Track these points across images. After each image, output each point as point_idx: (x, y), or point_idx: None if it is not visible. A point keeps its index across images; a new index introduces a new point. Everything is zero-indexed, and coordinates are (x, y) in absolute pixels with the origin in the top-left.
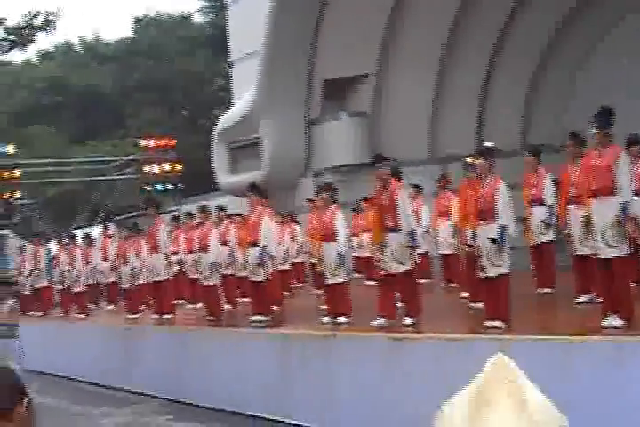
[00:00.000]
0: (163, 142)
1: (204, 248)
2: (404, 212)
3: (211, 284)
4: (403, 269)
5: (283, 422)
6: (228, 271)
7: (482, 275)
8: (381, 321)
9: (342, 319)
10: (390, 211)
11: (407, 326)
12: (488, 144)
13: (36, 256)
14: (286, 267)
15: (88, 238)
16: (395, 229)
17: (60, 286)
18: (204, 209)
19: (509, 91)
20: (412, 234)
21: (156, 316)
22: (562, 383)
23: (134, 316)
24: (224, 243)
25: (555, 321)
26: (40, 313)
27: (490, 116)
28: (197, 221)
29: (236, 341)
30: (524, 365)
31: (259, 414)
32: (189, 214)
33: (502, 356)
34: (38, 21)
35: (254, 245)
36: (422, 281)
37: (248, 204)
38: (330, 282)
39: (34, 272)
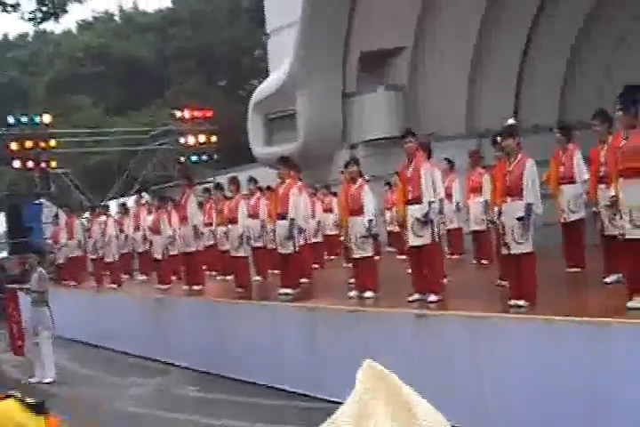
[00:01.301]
0: (199, 114)
1: (233, 220)
2: (426, 184)
3: (240, 255)
4: (420, 242)
5: (308, 395)
6: (259, 244)
7: (505, 252)
8: (416, 296)
9: (368, 294)
10: (413, 184)
11: (432, 302)
12: (510, 121)
13: (70, 226)
14: (318, 239)
15: (124, 207)
16: (415, 202)
17: (94, 256)
18: (233, 181)
19: (548, 64)
20: (428, 207)
21: (187, 287)
22: (592, 365)
23: (165, 287)
24: (255, 215)
25: (581, 301)
26: (74, 282)
27: (528, 89)
28: (228, 193)
29: (264, 313)
30: (547, 345)
31: (284, 386)
32: (219, 186)
33: (370, 362)
34: None
35: (283, 217)
36: (454, 257)
37: (278, 176)
38: (356, 256)
39: (68, 242)
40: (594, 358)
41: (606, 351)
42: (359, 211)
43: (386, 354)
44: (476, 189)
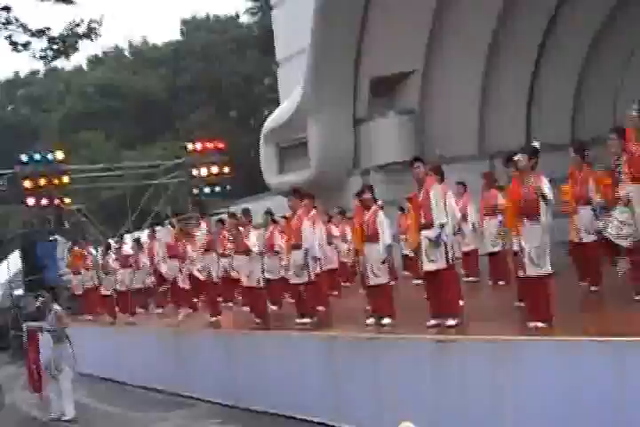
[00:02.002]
0: (211, 145)
1: (246, 252)
2: (437, 206)
3: (255, 286)
4: (435, 266)
5: (330, 425)
6: (273, 276)
7: (521, 274)
8: (433, 321)
9: (386, 321)
10: (424, 209)
11: (450, 326)
12: (535, 144)
13: (84, 260)
14: (334, 266)
15: (138, 243)
16: (427, 227)
17: (108, 292)
18: (245, 213)
19: (558, 84)
20: (440, 229)
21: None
22: (612, 384)
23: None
24: (270, 247)
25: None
26: (89, 316)
27: (539, 109)
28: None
29: (283, 344)
30: (571, 365)
31: (305, 417)
32: (233, 216)
33: (408, 425)
34: (81, 30)
35: (297, 247)
36: (470, 279)
37: (289, 208)
38: (372, 283)
39: (84, 272)
40: (618, 378)
41: (628, 370)
42: (375, 238)
43: (406, 381)
44: (491, 211)
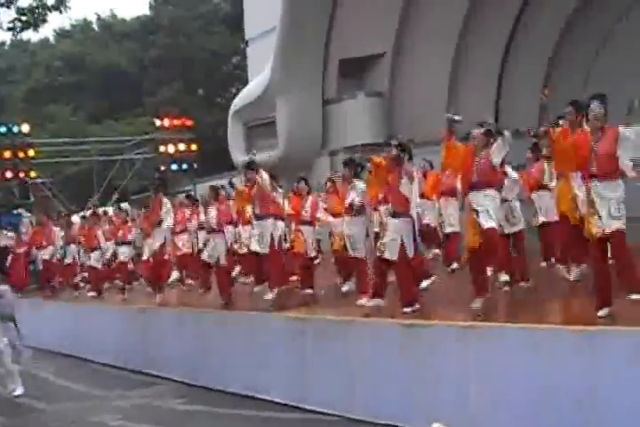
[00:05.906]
0: (179, 122)
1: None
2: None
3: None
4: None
5: (298, 407)
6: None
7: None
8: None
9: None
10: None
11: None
12: (488, 120)
13: (48, 234)
14: None
15: (84, 219)
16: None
17: (69, 261)
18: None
19: (528, 69)
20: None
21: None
22: (581, 371)
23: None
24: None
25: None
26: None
27: (508, 94)
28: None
29: (250, 324)
30: (541, 352)
31: (272, 398)
32: (189, 197)
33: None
34: (51, 1)
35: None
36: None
37: (247, 180)
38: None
39: (47, 248)
40: (587, 365)
41: (597, 359)
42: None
43: (376, 364)
44: (450, 192)
